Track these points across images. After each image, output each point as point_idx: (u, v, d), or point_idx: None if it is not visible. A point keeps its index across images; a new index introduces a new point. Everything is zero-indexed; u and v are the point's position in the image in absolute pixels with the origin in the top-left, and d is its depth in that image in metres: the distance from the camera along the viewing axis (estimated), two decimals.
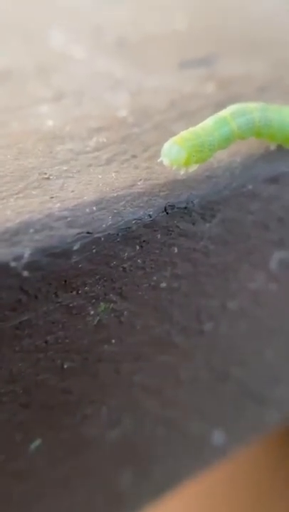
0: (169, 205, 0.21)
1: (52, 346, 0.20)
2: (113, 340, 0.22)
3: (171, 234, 0.21)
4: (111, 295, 0.21)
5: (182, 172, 0.21)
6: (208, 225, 0.22)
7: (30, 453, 0.22)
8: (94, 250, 0.20)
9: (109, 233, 0.20)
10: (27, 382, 0.20)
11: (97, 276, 0.20)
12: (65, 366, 0.21)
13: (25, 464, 0.22)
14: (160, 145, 0.21)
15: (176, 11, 0.37)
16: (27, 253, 0.18)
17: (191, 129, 0.21)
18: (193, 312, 0.24)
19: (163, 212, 0.21)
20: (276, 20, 0.36)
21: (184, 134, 0.21)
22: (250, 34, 0.34)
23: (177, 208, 0.21)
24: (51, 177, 0.21)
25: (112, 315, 0.21)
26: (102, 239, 0.20)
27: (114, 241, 0.20)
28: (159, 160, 0.21)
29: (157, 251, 0.21)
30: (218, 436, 0.28)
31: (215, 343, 0.25)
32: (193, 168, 0.21)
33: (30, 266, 0.18)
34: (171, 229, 0.21)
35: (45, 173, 0.21)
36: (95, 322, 0.21)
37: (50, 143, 0.23)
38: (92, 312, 0.21)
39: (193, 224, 0.22)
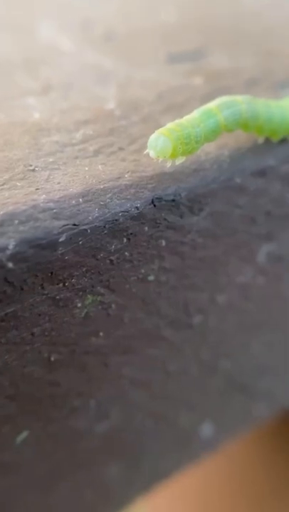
0: (157, 198, 0.21)
1: (39, 338, 0.20)
2: (101, 333, 0.22)
3: (158, 227, 0.21)
4: (98, 287, 0.21)
5: (169, 164, 0.21)
6: (196, 218, 0.22)
7: (17, 445, 0.22)
8: (80, 242, 0.20)
9: (95, 225, 0.20)
10: (13, 374, 0.20)
11: (84, 269, 0.20)
12: (52, 358, 0.21)
13: (11, 456, 0.22)
14: (147, 137, 0.21)
15: (166, 4, 0.37)
16: (12, 244, 0.18)
17: (177, 120, 0.21)
18: (181, 305, 0.24)
19: (150, 204, 0.21)
20: (266, 13, 0.36)
21: (170, 125, 0.21)
22: (240, 27, 0.34)
23: (165, 200, 0.21)
24: (37, 169, 0.21)
25: (100, 307, 0.21)
26: (89, 231, 0.20)
27: (101, 233, 0.20)
28: (145, 152, 0.21)
29: (145, 244, 0.21)
30: (207, 429, 0.28)
31: (203, 336, 0.25)
32: (181, 160, 0.21)
33: (15, 257, 0.18)
34: (158, 222, 0.21)
35: (31, 165, 0.21)
36: (83, 314, 0.21)
37: (36, 135, 0.23)
38: (79, 304, 0.21)
39: (181, 217, 0.22)
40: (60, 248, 0.19)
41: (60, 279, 0.20)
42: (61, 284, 0.20)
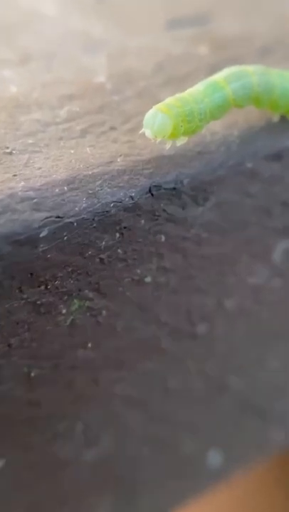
0: (155, 186, 0.21)
1: (16, 351, 0.20)
2: (89, 344, 0.22)
3: (157, 219, 0.22)
4: (86, 291, 0.21)
5: (168, 146, 0.21)
6: (200, 209, 0.22)
7: None
8: (65, 238, 0.20)
9: (83, 218, 0.20)
10: None
11: (70, 269, 0.20)
12: (33, 374, 0.21)
13: None
14: (143, 115, 0.21)
15: None
16: None
17: (178, 95, 0.21)
18: (183, 312, 0.24)
19: (147, 193, 0.21)
20: None
21: (169, 100, 0.21)
22: None
23: (164, 188, 0.21)
24: (14, 152, 0.21)
25: (88, 314, 0.21)
26: (75, 224, 0.20)
27: (89, 227, 0.20)
28: (141, 131, 0.21)
29: (141, 239, 0.21)
30: (213, 457, 0.28)
31: (209, 347, 0.26)
32: (182, 141, 0.21)
33: None
34: (157, 213, 0.21)
35: (7, 147, 0.21)
36: (68, 323, 0.21)
37: (13, 112, 0.23)
38: (64, 311, 0.21)
39: (183, 208, 0.22)
40: (42, 245, 0.19)
41: (42, 281, 0.20)
42: (43, 287, 0.20)
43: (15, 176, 0.20)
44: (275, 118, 0.24)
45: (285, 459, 0.40)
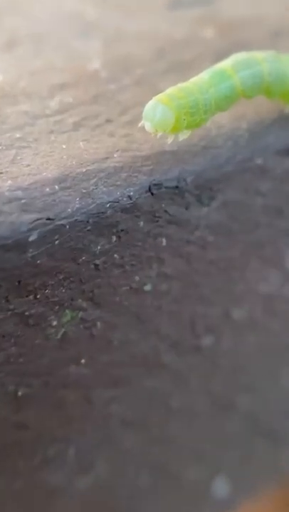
0: (155, 184, 0.21)
1: (2, 367, 0.21)
2: (83, 360, 0.22)
3: (157, 221, 0.22)
4: (79, 300, 0.21)
5: (170, 141, 0.21)
6: (205, 209, 0.23)
7: None
8: (56, 242, 0.20)
9: (76, 220, 0.20)
10: None
11: (61, 276, 0.21)
12: (20, 393, 0.21)
13: None
14: (143, 106, 0.21)
15: None
16: None
17: (180, 84, 0.21)
18: (187, 323, 0.24)
19: (147, 192, 0.21)
20: None
21: (171, 90, 0.21)
22: None
23: (165, 187, 0.22)
24: (0, 147, 0.21)
25: (81, 326, 0.22)
26: (67, 227, 0.20)
27: (82, 230, 0.20)
28: (140, 124, 0.21)
29: (140, 243, 0.22)
30: (220, 486, 0.28)
31: (215, 362, 0.26)
32: (185, 135, 0.22)
33: None
34: (157, 215, 0.22)
35: None
36: (59, 336, 0.21)
37: None
38: (54, 323, 0.21)
39: (187, 208, 0.22)
40: (31, 250, 0.19)
41: (31, 290, 0.20)
42: (31, 297, 0.20)
43: (1, 173, 0.20)
44: (288, 110, 0.24)
45: None
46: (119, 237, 0.21)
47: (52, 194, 0.20)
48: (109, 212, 0.21)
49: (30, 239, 0.19)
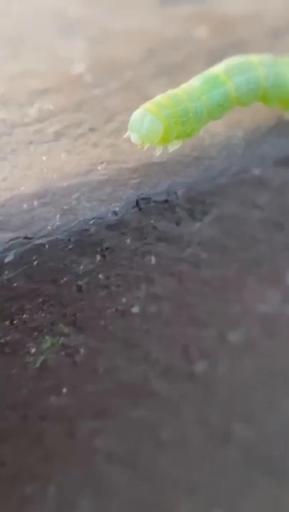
0: (143, 198, 0.21)
1: None
2: (64, 390, 0.22)
3: (146, 238, 0.22)
4: (60, 325, 0.21)
5: (159, 152, 0.21)
6: (198, 224, 0.23)
7: None
8: (35, 262, 0.20)
9: (56, 238, 0.20)
10: None
11: (40, 299, 0.20)
12: None
13: None
14: (130, 113, 0.21)
15: None
16: None
17: (170, 91, 0.21)
18: (179, 347, 0.24)
19: (134, 207, 0.21)
20: None
21: (159, 98, 0.21)
22: None
23: (154, 201, 0.22)
24: None
25: (63, 353, 0.22)
26: (47, 246, 0.20)
27: (64, 249, 0.20)
28: (125, 136, 0.21)
29: (126, 262, 0.22)
30: None
31: (210, 390, 0.26)
32: (175, 146, 0.22)
33: None
34: (145, 231, 0.22)
35: None
36: (38, 364, 0.21)
37: None
38: (33, 350, 0.21)
39: (178, 224, 0.22)
40: (7, 271, 0.19)
41: (7, 315, 0.20)
42: (7, 322, 0.20)
43: None
44: (287, 117, 0.25)
45: None
46: (103, 256, 0.21)
47: (30, 210, 0.20)
48: (92, 229, 0.21)
49: (6, 260, 0.19)
